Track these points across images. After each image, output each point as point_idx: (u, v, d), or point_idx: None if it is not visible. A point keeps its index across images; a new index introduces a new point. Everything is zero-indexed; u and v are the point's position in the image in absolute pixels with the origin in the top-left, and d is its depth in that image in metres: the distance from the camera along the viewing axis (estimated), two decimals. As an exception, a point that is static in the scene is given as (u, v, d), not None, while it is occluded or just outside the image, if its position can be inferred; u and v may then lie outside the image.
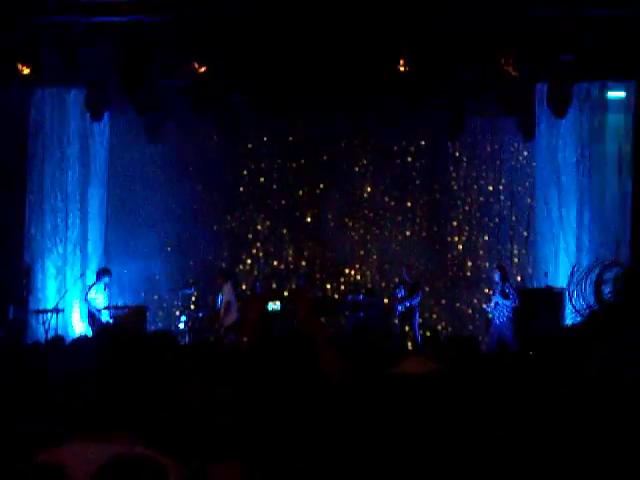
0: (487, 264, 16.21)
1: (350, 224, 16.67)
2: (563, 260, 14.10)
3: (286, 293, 16.35)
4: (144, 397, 4.26)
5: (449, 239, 16.51)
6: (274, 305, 14.81)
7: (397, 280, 15.49)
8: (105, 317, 14.05)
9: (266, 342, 6.75)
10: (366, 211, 16.66)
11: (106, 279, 14.31)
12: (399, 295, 14.73)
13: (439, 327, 16.02)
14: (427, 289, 15.78)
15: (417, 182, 16.62)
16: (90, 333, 13.42)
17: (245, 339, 13.42)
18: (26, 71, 12.50)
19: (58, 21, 12.19)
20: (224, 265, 16.42)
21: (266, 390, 4.55)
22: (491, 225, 16.33)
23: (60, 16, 12.08)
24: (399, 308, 14.70)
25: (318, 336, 5.10)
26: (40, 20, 12.14)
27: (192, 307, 16.17)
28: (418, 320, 14.68)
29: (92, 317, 14.00)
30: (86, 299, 14.16)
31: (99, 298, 14.10)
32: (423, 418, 3.67)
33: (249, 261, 16.78)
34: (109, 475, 2.52)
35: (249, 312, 14.56)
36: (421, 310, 15.07)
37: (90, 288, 14.22)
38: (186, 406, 4.20)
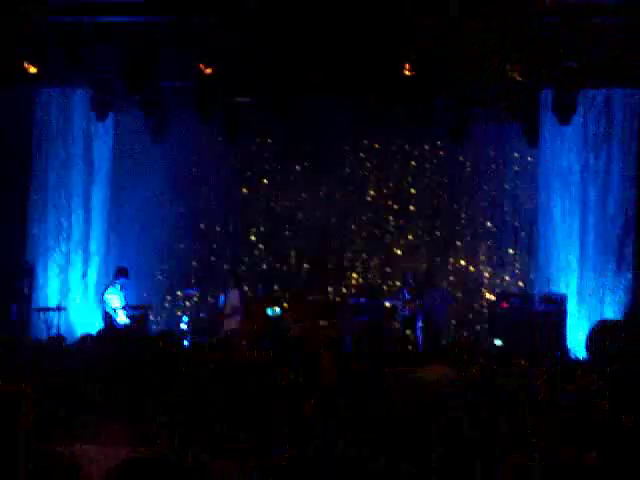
0: (489, 269, 16.21)
1: (352, 227, 16.66)
2: (566, 266, 14.13)
3: (286, 296, 16.34)
4: (147, 395, 4.28)
5: (451, 244, 16.49)
6: (274, 310, 14.78)
7: (401, 283, 15.50)
8: (121, 317, 13.96)
9: (264, 346, 6.77)
10: (369, 214, 16.65)
11: (123, 279, 14.24)
12: (403, 299, 14.72)
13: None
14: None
15: (420, 186, 16.60)
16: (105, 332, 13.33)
17: (244, 342, 13.42)
18: (32, 70, 12.54)
19: (64, 21, 12.22)
20: (226, 266, 16.43)
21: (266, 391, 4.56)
22: (494, 230, 16.31)
23: (66, 16, 12.11)
24: (403, 312, 14.70)
25: (318, 342, 5.13)
26: (46, 20, 12.17)
27: (194, 308, 16.18)
28: (420, 324, 14.66)
29: (108, 317, 13.91)
30: (102, 299, 14.10)
31: (115, 298, 14.01)
32: (443, 422, 3.68)
33: (251, 263, 16.77)
34: (123, 476, 2.53)
35: (249, 316, 14.53)
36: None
37: (107, 288, 14.15)
38: (185, 405, 4.21)
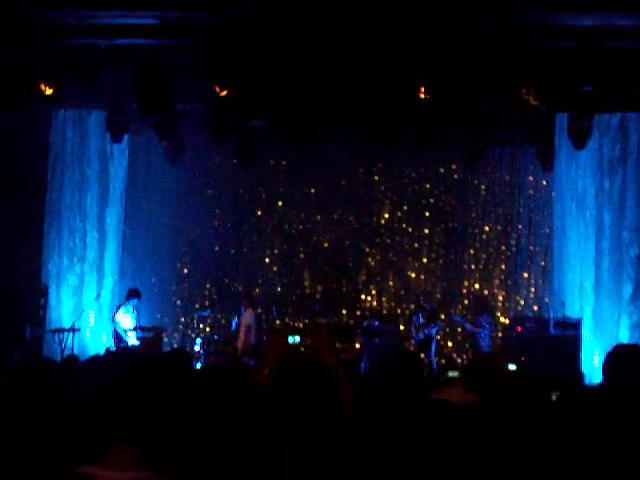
0: (504, 293, 16.14)
1: (367, 250, 16.65)
2: (580, 290, 14.02)
3: (303, 320, 16.28)
4: (156, 417, 4.23)
5: (466, 267, 16.44)
6: (294, 338, 14.74)
7: (415, 307, 15.46)
8: (131, 338, 14.00)
9: (286, 373, 6.68)
10: (383, 237, 16.64)
11: (135, 300, 14.30)
12: (417, 322, 14.67)
13: (455, 355, 15.93)
14: (442, 317, 15.69)
15: (435, 209, 16.59)
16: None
17: (266, 371, 13.32)
18: (49, 92, 12.57)
19: (80, 43, 12.27)
20: (240, 288, 16.42)
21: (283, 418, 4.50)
22: (508, 254, 16.27)
23: (82, 38, 12.17)
24: (417, 335, 14.63)
25: (337, 367, 5.05)
26: (63, 42, 12.23)
27: (207, 329, 16.18)
28: (435, 348, 14.59)
29: (118, 338, 13.96)
30: (113, 319, 14.15)
31: (126, 319, 14.07)
32: (463, 448, 3.62)
33: (265, 285, 16.76)
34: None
35: (273, 345, 14.42)
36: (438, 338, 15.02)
37: (118, 309, 14.20)
38: (197, 429, 4.17)
